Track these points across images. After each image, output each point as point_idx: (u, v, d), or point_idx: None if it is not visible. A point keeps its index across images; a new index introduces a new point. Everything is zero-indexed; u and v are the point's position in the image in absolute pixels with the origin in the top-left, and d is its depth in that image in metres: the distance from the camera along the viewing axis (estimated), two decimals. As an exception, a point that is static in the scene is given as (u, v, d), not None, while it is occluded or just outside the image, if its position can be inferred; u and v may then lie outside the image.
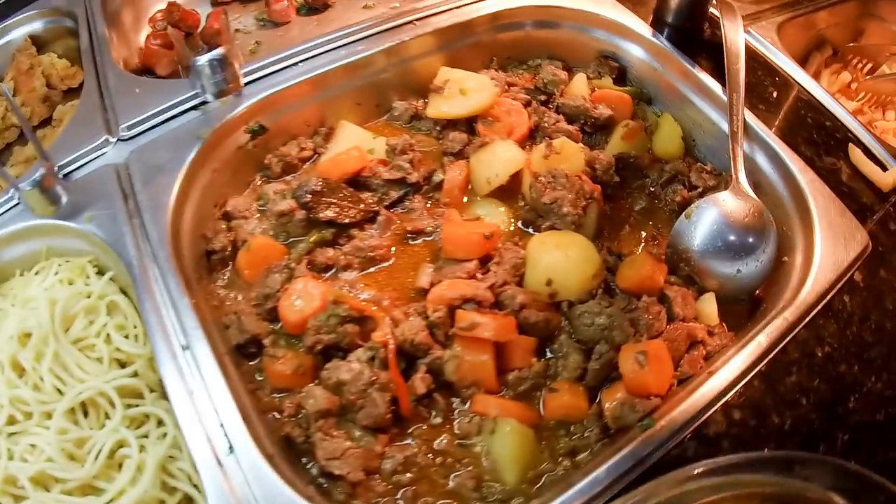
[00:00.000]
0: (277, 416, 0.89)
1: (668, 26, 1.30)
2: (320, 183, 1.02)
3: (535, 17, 1.29)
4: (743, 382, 0.88)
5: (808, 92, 1.27)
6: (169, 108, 1.08)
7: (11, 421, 0.88)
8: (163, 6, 1.40)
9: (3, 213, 1.01)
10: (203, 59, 0.99)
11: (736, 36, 1.21)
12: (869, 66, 1.63)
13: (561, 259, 0.95)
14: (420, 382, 0.87)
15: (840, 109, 1.25)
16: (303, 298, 0.93)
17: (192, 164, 1.02)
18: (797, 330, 0.94)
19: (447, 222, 1.02)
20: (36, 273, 1.01)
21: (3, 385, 0.89)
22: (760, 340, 0.90)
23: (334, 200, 1.02)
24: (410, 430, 0.88)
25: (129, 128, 1.06)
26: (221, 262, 1.03)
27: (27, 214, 0.98)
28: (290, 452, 0.85)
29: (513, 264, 0.97)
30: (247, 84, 1.11)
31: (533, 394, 0.91)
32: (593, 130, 1.21)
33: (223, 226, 1.05)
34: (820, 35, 1.63)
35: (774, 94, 1.26)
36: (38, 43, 1.35)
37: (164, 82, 1.12)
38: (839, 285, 0.99)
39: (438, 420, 0.89)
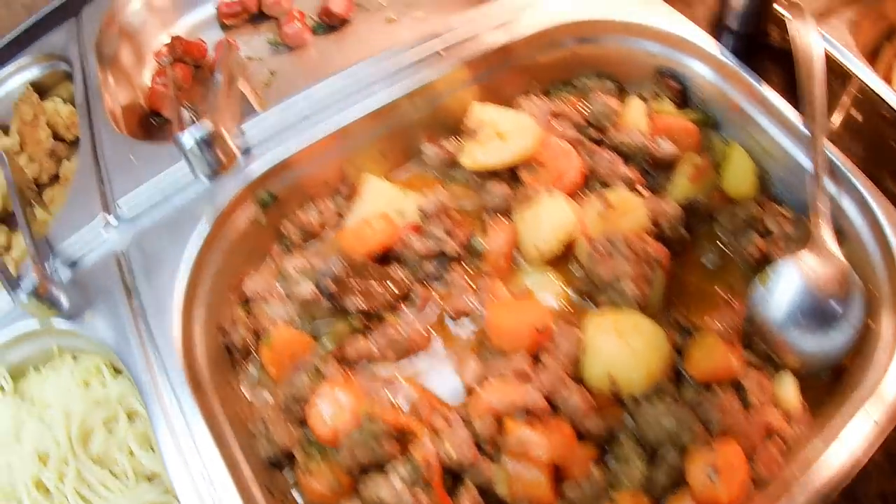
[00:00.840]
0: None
1: (729, 32, 1.13)
2: (343, 265, 0.93)
3: (578, 34, 1.12)
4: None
5: (892, 108, 1.07)
6: (168, 180, 1.00)
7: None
8: (167, 39, 1.30)
9: (9, 312, 0.97)
10: (188, 140, 0.89)
11: (809, 46, 1.05)
12: None
13: (623, 350, 0.85)
14: (467, 502, 0.80)
15: None
16: (332, 409, 0.86)
17: (200, 251, 0.95)
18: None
19: (491, 304, 0.92)
20: (52, 370, 0.98)
21: (29, 507, 0.87)
22: (846, 446, 0.79)
23: (362, 285, 0.93)
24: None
25: (127, 204, 1.00)
26: (244, 356, 0.96)
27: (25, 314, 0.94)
28: None
29: (568, 354, 0.87)
30: (249, 147, 1.01)
31: None
32: (654, 170, 1.06)
33: (242, 313, 0.98)
34: (890, 24, 1.40)
35: (855, 115, 1.07)
36: (40, 89, 1.29)
37: (160, 148, 1.04)
38: None
39: (484, 535, 0.82)
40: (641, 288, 0.90)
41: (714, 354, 0.87)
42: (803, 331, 0.90)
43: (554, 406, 0.84)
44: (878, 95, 1.08)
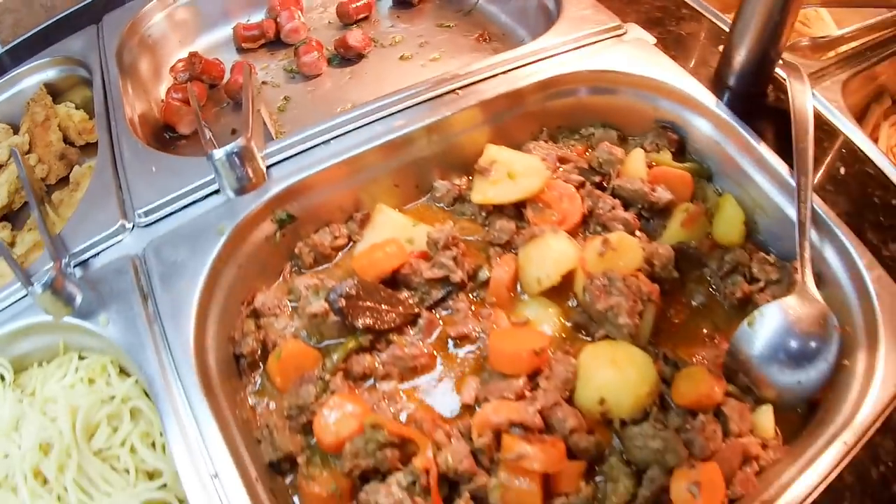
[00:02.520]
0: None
1: (729, 90, 1.33)
2: (356, 285, 1.06)
3: (589, 84, 1.32)
4: None
5: (875, 165, 1.27)
6: (188, 192, 1.13)
7: (35, 533, 0.95)
8: (184, 54, 1.44)
9: (19, 300, 1.07)
10: (221, 153, 1.04)
11: (804, 106, 1.23)
12: None
13: (615, 377, 1.00)
14: (463, 512, 0.93)
15: None
16: (338, 419, 0.97)
17: (215, 262, 1.07)
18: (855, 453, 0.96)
19: (493, 331, 1.07)
20: (58, 366, 1.08)
21: (26, 495, 0.96)
22: (816, 469, 0.93)
23: (371, 304, 1.07)
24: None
25: (146, 213, 1.12)
26: (251, 366, 1.08)
27: (33, 307, 1.05)
28: None
29: (563, 379, 1.01)
30: (271, 166, 1.16)
31: None
32: (651, 215, 1.24)
33: (252, 326, 1.10)
34: (880, 86, 1.65)
35: (842, 170, 1.27)
36: (53, 92, 1.42)
37: (182, 161, 1.17)
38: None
39: (478, 545, 0.94)
40: (634, 321, 1.05)
41: (700, 384, 1.01)
42: (782, 367, 1.05)
43: (548, 425, 0.98)
44: (864, 153, 1.28)
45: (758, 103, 1.32)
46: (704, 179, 1.31)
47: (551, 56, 1.32)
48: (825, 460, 0.93)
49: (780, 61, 1.33)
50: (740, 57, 1.30)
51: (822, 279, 1.13)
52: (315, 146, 1.19)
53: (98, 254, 1.11)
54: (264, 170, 1.10)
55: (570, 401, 1.02)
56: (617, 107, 1.34)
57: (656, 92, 1.32)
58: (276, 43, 1.53)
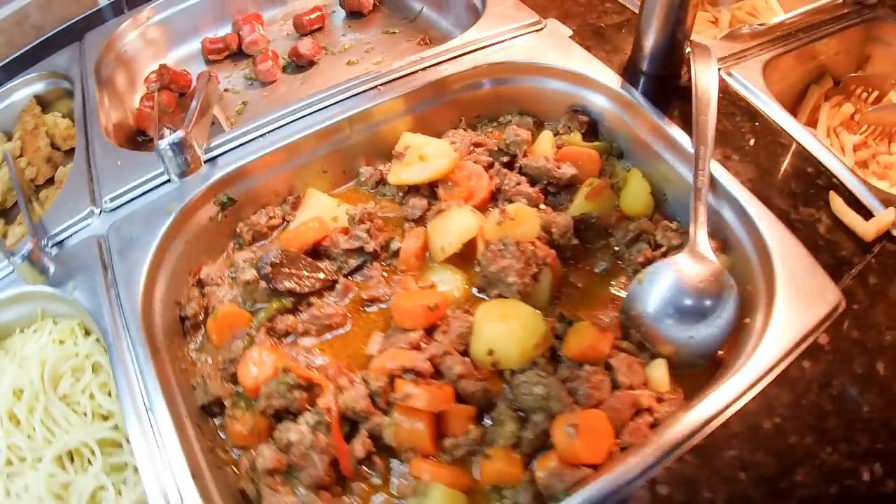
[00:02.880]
0: (235, 471, 1.12)
1: (643, 74, 1.47)
2: (280, 255, 1.25)
3: (499, 75, 1.49)
4: (672, 456, 0.97)
5: (790, 136, 1.39)
6: (145, 182, 1.33)
7: (9, 463, 1.14)
8: (156, 67, 1.67)
9: (3, 278, 1.29)
10: (164, 143, 1.24)
11: (707, 82, 1.36)
12: (875, 94, 1.74)
13: (503, 330, 1.13)
14: (360, 446, 1.09)
15: (824, 153, 1.36)
16: (257, 366, 1.15)
17: (163, 238, 1.26)
18: (740, 402, 1.02)
19: (397, 292, 1.24)
20: (34, 331, 1.30)
21: (1, 433, 1.17)
22: (700, 412, 1.00)
23: (293, 271, 1.25)
24: (352, 489, 1.09)
25: (112, 200, 1.33)
26: (194, 327, 1.27)
27: (17, 279, 1.26)
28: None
29: (459, 333, 1.17)
30: (218, 155, 1.36)
31: (469, 459, 1.09)
32: (557, 190, 1.39)
33: (196, 293, 1.30)
34: (820, 66, 1.76)
35: (752, 142, 1.39)
36: (42, 103, 1.66)
37: (142, 156, 1.38)
38: (797, 351, 1.08)
39: (377, 481, 1.09)
40: (523, 280, 1.20)
41: (584, 338, 1.13)
42: (672, 322, 1.14)
43: (439, 372, 1.14)
44: (779, 126, 1.39)
45: (670, 85, 1.46)
46: (615, 157, 1.46)
47: (472, 51, 1.50)
48: (710, 406, 1.01)
49: (689, 43, 1.44)
50: (649, 42, 1.44)
51: (728, 244, 1.26)
52: (255, 138, 1.39)
53: (71, 235, 1.32)
54: (201, 157, 1.30)
55: (465, 353, 1.17)
56: (532, 95, 1.51)
57: (568, 79, 1.48)
58: (238, 54, 1.74)
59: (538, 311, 1.17)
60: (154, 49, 1.71)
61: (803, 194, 1.30)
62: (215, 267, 1.33)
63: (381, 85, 1.43)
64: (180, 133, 1.26)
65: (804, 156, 1.37)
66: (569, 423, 1.03)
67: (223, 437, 1.17)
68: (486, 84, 1.49)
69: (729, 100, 1.48)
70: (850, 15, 1.70)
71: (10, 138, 1.60)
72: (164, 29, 1.71)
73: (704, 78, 1.38)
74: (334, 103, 1.42)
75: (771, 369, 1.06)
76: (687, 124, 1.35)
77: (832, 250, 1.21)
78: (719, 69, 1.50)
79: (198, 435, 1.12)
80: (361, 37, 1.78)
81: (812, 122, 1.77)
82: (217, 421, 1.19)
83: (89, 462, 1.14)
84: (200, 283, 1.32)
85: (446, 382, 1.12)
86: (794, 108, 1.83)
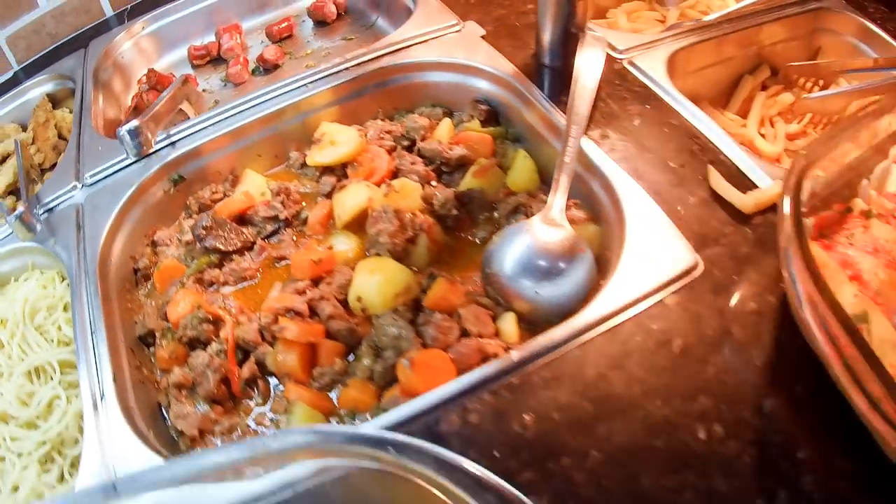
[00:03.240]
0: (156, 388, 1.43)
1: (545, 68, 1.69)
2: (211, 220, 1.56)
3: (413, 71, 1.75)
4: (487, 389, 1.10)
5: (682, 118, 1.54)
6: (117, 162, 1.67)
7: (-10, 377, 1.50)
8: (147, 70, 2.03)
9: (4, 238, 1.66)
10: (122, 130, 1.57)
11: (586, 66, 1.54)
12: (820, 84, 1.83)
13: (370, 281, 1.38)
14: (247, 370, 1.36)
15: (718, 134, 1.50)
16: (180, 304, 1.46)
17: (124, 206, 1.58)
18: (563, 349, 1.14)
19: (297, 251, 1.52)
20: (25, 280, 1.65)
21: (-10, 355, 1.52)
22: (522, 354, 1.13)
23: (221, 233, 1.55)
24: (239, 405, 1.38)
25: (91, 176, 1.67)
26: (144, 277, 1.59)
27: (15, 238, 1.62)
28: (159, 414, 1.38)
29: (339, 284, 1.43)
30: (177, 141, 1.69)
31: (333, 387, 1.34)
32: (451, 170, 1.63)
33: (149, 251, 1.62)
34: (756, 56, 1.87)
35: (637, 123, 1.56)
36: (53, 100, 2.02)
37: (116, 142, 1.72)
38: (636, 309, 1.19)
39: (260, 400, 1.37)
40: (394, 241, 1.43)
41: (438, 290, 1.36)
42: (522, 280, 1.31)
43: (315, 313, 1.41)
44: (671, 108, 1.54)
45: (565, 75, 1.60)
46: (509, 141, 1.68)
47: (393, 52, 1.77)
48: (532, 348, 1.14)
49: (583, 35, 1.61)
50: (546, 36, 1.64)
51: (597, 216, 1.45)
52: (207, 126, 1.70)
53: (59, 204, 1.66)
54: (152, 141, 1.61)
55: (345, 301, 1.44)
56: (442, 88, 1.76)
57: (471, 73, 1.72)
58: (218, 59, 2.07)
59: (405, 268, 1.41)
60: (146, 56, 2.07)
61: (682, 169, 1.45)
62: (168, 231, 1.65)
63: (311, 82, 1.72)
64: (135, 122, 1.59)
65: (693, 135, 1.51)
66: (407, 357, 1.22)
67: (153, 361, 1.48)
68: (401, 79, 1.76)
69: (626, 87, 1.66)
70: (794, 5, 1.81)
71: (24, 129, 1.99)
72: (155, 38, 2.07)
73: (584, 63, 1.56)
74: (274, 97, 1.72)
75: (601, 322, 1.18)
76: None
77: (703, 221, 1.33)
78: (623, 60, 1.70)
79: (129, 356, 1.42)
80: (323, 43, 2.08)
81: (745, 113, 1.89)
82: (152, 350, 1.50)
83: (51, 378, 1.48)
84: (154, 244, 1.64)
85: (319, 321, 1.39)
86: (727, 99, 1.96)
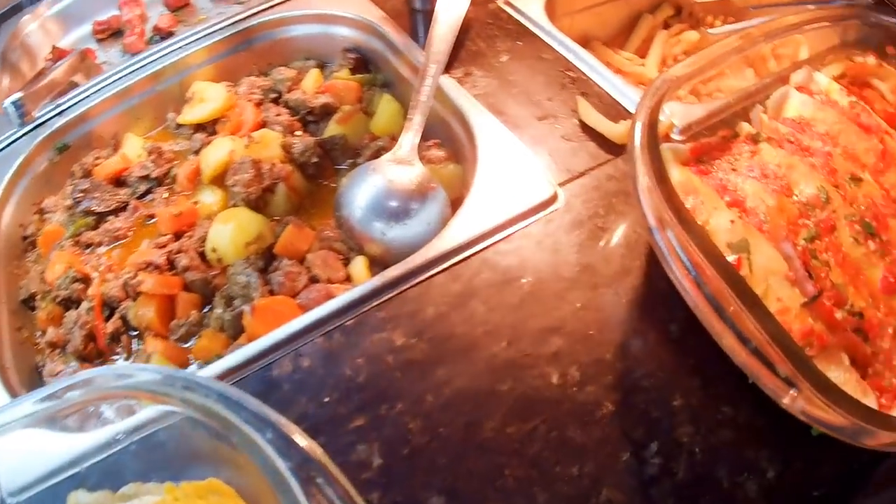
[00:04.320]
0: (36, 349, 1.53)
1: (417, 13, 1.73)
2: (87, 183, 1.64)
3: (283, 26, 1.79)
4: (319, 332, 1.13)
5: (555, 52, 1.58)
6: (9, 136, 1.77)
7: None
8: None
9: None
10: (6, 102, 1.66)
11: (449, 6, 1.59)
12: (730, 21, 1.83)
13: (223, 230, 1.45)
14: (111, 325, 1.45)
15: (590, 62, 1.54)
16: (56, 266, 1.55)
17: (12, 177, 1.67)
18: (399, 287, 1.16)
19: (164, 208, 1.59)
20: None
21: None
22: (355, 293, 1.18)
23: (96, 196, 1.64)
24: (107, 361, 1.46)
25: (-15, 146, 1.78)
26: (31, 244, 1.70)
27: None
28: (36, 374, 1.49)
29: (199, 237, 1.50)
30: (64, 110, 1.77)
31: (190, 338, 1.41)
32: (316, 119, 1.67)
33: (37, 218, 1.72)
34: None
35: (504, 59, 1.60)
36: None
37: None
38: (481, 244, 1.22)
39: (123, 354, 1.46)
40: (249, 191, 1.50)
41: (286, 236, 1.42)
42: (370, 220, 1.35)
43: (173, 266, 1.48)
44: (544, 43, 1.61)
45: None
46: (378, 87, 1.72)
47: (266, 9, 1.81)
48: (366, 287, 1.18)
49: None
50: None
51: (457, 155, 1.50)
52: (91, 94, 1.78)
53: None
54: (34, 113, 1.70)
55: (204, 254, 1.50)
56: (313, 41, 1.81)
57: (339, 23, 1.77)
58: (119, 33, 2.15)
59: (259, 216, 1.48)
60: (52, 35, 2.15)
61: (550, 102, 1.48)
62: (54, 199, 1.74)
63: (186, 43, 1.78)
64: (19, 93, 1.68)
65: (567, 68, 1.54)
66: (249, 305, 1.29)
67: (35, 324, 1.58)
68: (269, 35, 1.81)
69: (499, 26, 1.69)
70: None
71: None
72: (61, 17, 2.15)
73: (446, 1, 1.61)
74: (154, 60, 1.79)
75: (444, 258, 1.21)
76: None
77: (570, 154, 1.36)
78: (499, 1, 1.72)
79: (10, 318, 1.53)
80: (216, 10, 2.12)
81: (644, 52, 1.89)
82: (36, 313, 1.60)
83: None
84: (42, 211, 1.73)
85: (176, 274, 1.46)
86: (625, 39, 1.95)
